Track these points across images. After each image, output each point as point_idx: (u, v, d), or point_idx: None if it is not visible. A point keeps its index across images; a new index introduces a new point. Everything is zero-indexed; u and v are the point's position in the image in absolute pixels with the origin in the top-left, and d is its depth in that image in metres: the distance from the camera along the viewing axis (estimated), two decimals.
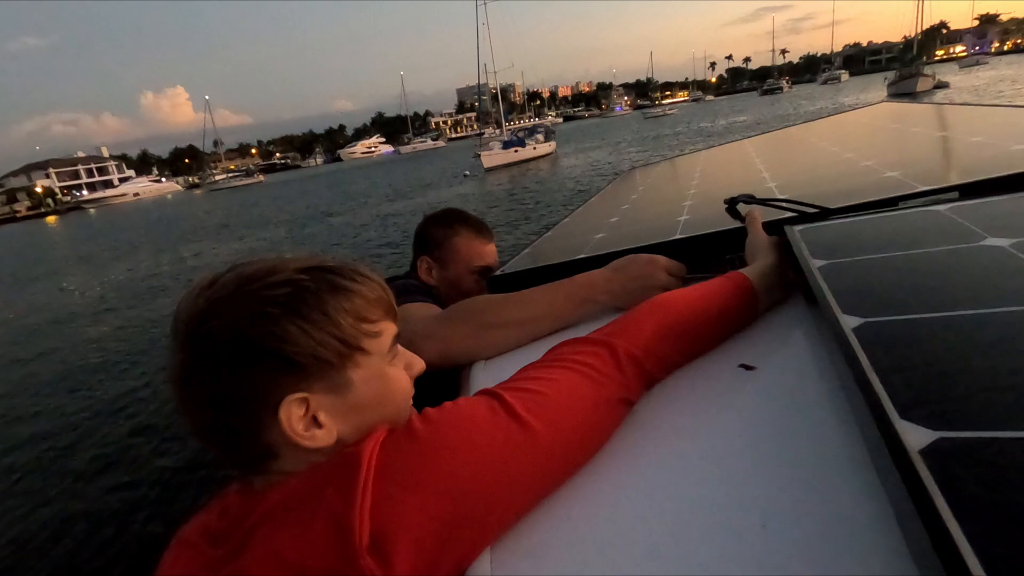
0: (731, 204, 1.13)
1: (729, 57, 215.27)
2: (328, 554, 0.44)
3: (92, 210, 68.83)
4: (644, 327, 0.66)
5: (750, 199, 1.10)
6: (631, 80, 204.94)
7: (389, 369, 0.57)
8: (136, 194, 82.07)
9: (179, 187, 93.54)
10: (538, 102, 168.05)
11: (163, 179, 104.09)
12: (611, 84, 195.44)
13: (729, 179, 1.92)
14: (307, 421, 0.51)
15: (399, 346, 0.59)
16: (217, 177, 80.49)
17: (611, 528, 0.48)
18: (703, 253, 1.02)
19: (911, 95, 29.71)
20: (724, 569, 0.41)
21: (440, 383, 0.86)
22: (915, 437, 0.37)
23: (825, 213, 0.96)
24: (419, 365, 0.61)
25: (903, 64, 43.31)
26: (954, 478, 0.33)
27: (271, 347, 0.50)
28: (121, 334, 8.44)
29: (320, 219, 19.89)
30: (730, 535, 0.44)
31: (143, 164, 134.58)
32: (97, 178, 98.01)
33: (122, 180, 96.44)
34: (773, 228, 0.94)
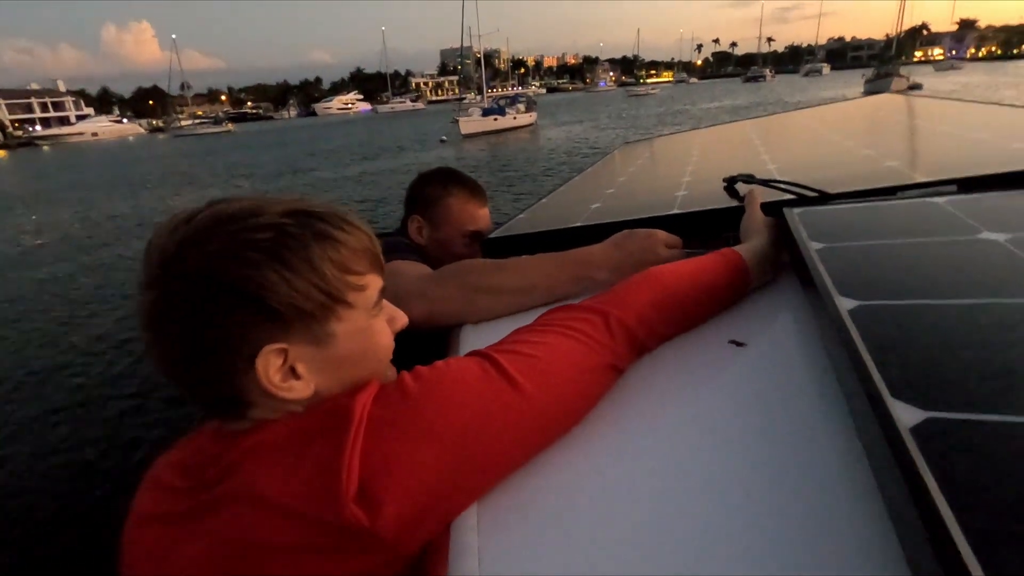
0: (730, 183, 1.14)
1: (716, 40, 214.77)
2: (313, 498, 0.43)
3: (46, 147, 65.01)
4: (637, 297, 0.67)
5: (750, 179, 1.10)
6: (618, 56, 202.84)
7: (373, 322, 0.56)
8: (95, 134, 77.68)
9: (142, 130, 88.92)
10: (523, 70, 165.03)
11: (124, 120, 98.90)
12: (597, 58, 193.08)
13: (728, 159, 1.91)
14: (284, 372, 0.50)
15: (384, 300, 0.58)
16: (183, 122, 76.81)
17: (596, 489, 0.49)
18: (701, 229, 1.02)
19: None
20: (706, 533, 0.42)
21: (427, 345, 0.86)
22: (906, 415, 0.38)
23: (824, 198, 0.97)
24: (402, 320, 0.61)
25: (881, 62, 44.00)
26: (942, 455, 0.34)
27: (250, 294, 0.48)
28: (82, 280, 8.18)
29: (290, 174, 19.36)
30: (713, 500, 0.45)
31: (103, 102, 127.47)
32: (52, 113, 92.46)
33: (80, 118, 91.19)
34: (771, 209, 0.93)
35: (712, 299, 0.75)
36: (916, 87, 33.73)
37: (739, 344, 0.69)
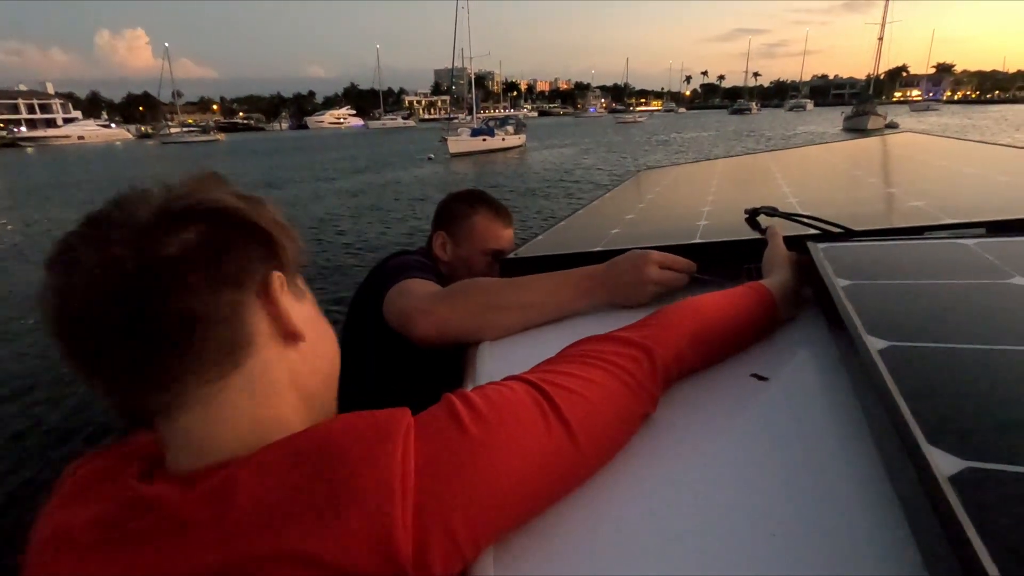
0: (752, 215, 1.14)
1: (704, 73, 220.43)
2: (368, 555, 0.38)
3: (30, 149, 64.31)
4: (679, 332, 0.65)
5: (772, 211, 1.09)
6: (608, 83, 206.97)
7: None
8: (81, 137, 77.08)
9: (129, 135, 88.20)
10: (515, 93, 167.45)
11: (112, 125, 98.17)
12: (588, 84, 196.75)
13: (748, 190, 1.90)
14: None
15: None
16: (172, 130, 76.34)
17: (616, 526, 0.48)
18: (721, 259, 1.02)
19: (863, 131, 31.29)
20: (729, 574, 0.41)
21: (443, 361, 0.88)
22: (944, 464, 0.37)
23: (849, 234, 0.96)
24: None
25: (860, 101, 45.49)
26: (984, 508, 0.33)
27: (250, 220, 0.48)
28: None
29: (271, 187, 19.33)
30: (738, 541, 0.44)
31: (92, 106, 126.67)
32: (39, 115, 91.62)
33: (67, 120, 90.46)
34: (794, 244, 0.93)
35: (743, 335, 0.74)
36: (893, 126, 34.93)
37: (761, 378, 0.68)
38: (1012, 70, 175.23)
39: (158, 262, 0.43)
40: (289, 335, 0.49)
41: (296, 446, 0.42)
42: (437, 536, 0.40)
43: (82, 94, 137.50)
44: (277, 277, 0.49)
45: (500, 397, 0.49)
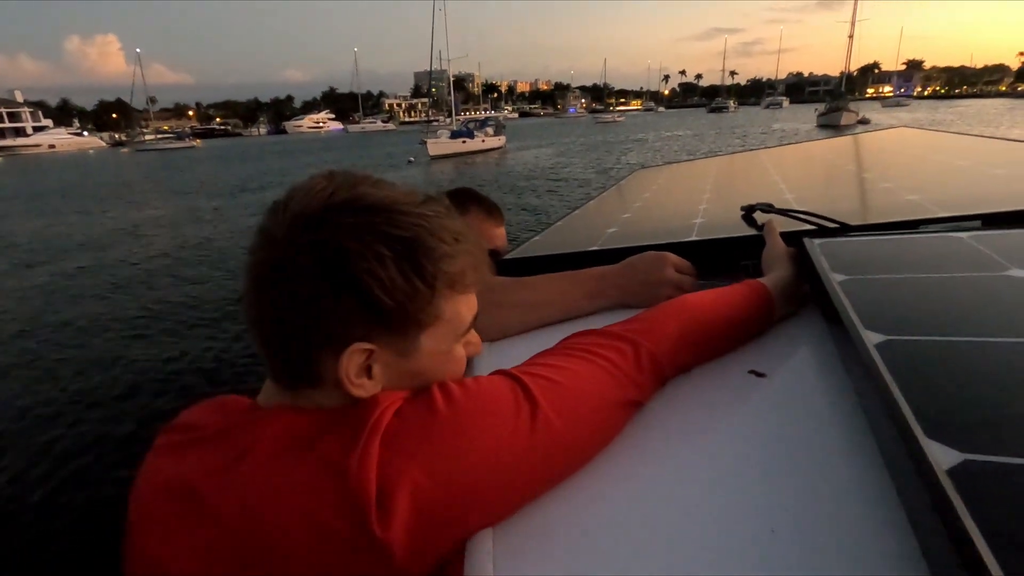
0: (748, 211, 1.13)
1: (683, 72, 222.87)
2: (323, 502, 0.44)
3: None
4: (668, 328, 0.66)
5: (768, 208, 1.09)
6: (588, 83, 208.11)
7: (455, 347, 0.56)
8: (52, 146, 75.28)
9: (103, 143, 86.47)
10: (495, 95, 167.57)
11: (85, 133, 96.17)
12: (568, 85, 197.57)
13: (745, 187, 1.92)
14: (361, 368, 0.51)
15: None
16: (147, 137, 74.85)
17: (616, 524, 0.48)
18: (718, 257, 1.01)
19: (836, 127, 31.96)
20: (730, 572, 0.41)
21: None
22: (942, 457, 0.37)
23: (845, 229, 0.96)
24: (476, 347, 0.61)
25: (833, 97, 46.36)
26: (983, 500, 0.33)
27: (365, 288, 0.48)
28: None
29: (246, 191, 19.12)
30: (738, 538, 0.44)
31: (63, 114, 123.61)
32: (7, 124, 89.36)
33: (37, 129, 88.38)
34: (790, 239, 0.93)
35: (738, 331, 0.74)
36: (865, 122, 35.64)
37: (759, 375, 0.68)
38: (979, 65, 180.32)
39: (276, 271, 0.50)
40: (348, 397, 0.51)
41: (326, 414, 0.51)
42: (397, 489, 0.43)
43: (52, 102, 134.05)
44: (355, 351, 0.50)
45: (476, 384, 0.52)
